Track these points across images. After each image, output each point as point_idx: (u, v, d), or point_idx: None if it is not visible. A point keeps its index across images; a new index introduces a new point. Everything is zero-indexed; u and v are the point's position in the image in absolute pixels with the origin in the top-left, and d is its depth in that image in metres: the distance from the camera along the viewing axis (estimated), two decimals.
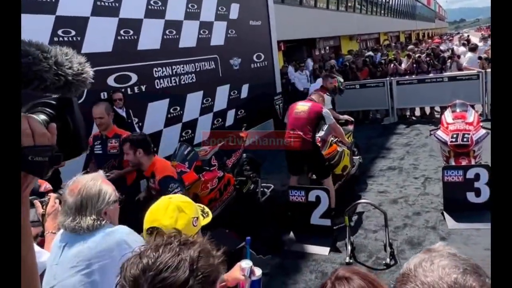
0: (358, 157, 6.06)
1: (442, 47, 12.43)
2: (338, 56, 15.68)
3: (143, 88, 5.93)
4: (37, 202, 2.18)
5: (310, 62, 12.99)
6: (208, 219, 1.53)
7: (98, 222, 1.69)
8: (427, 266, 0.76)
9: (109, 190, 1.80)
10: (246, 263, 1.49)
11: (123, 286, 0.82)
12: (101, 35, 5.34)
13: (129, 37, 5.83)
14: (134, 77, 5.81)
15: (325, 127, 5.20)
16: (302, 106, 4.86)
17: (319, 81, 7.03)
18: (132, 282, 0.81)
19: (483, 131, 5.03)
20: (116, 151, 3.93)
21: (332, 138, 5.34)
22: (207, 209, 1.60)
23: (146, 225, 1.42)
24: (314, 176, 5.08)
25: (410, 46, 13.10)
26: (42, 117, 0.71)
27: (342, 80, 6.46)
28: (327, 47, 20.41)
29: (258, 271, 1.49)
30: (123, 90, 5.60)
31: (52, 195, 2.09)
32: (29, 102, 0.71)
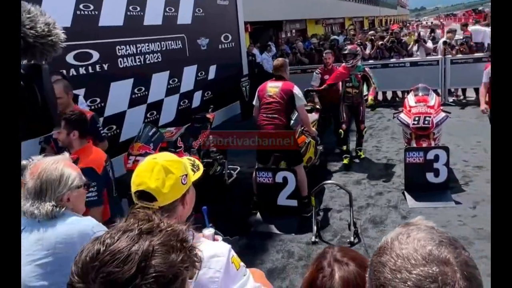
0: (320, 147, 6.04)
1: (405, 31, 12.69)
2: (305, 39, 15.73)
3: (105, 66, 5.67)
4: None
5: (273, 47, 12.91)
6: (199, 173, 1.47)
7: (57, 209, 1.60)
8: (403, 239, 0.76)
9: (73, 175, 1.70)
10: (208, 231, 1.52)
11: (72, 272, 0.73)
12: (58, 9, 5.00)
13: (89, 12, 5.52)
14: (96, 55, 5.53)
15: (294, 116, 5.00)
16: (272, 88, 4.60)
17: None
18: (80, 269, 0.71)
19: (442, 114, 5.25)
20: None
21: (300, 128, 5.27)
22: (197, 161, 1.53)
23: (133, 188, 1.35)
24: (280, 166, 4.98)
25: (371, 32, 13.39)
26: None
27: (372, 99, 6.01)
28: (293, 30, 20.41)
29: (219, 238, 1.54)
30: (83, 68, 5.33)
31: None
32: None
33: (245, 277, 1.37)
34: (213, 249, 1.33)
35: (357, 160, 6.25)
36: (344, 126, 6.08)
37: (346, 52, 5.91)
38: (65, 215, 1.64)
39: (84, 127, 2.99)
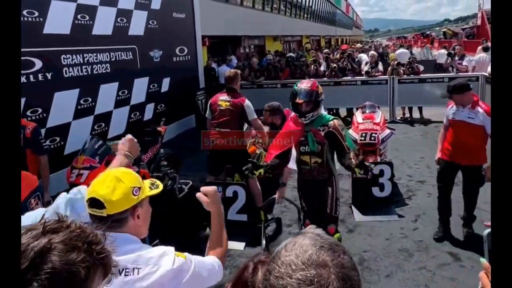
0: None
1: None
2: (262, 55, 15.97)
3: (49, 76, 5.40)
4: None
5: (234, 60, 13.03)
6: (157, 190, 1.52)
7: None
8: (289, 246, 0.79)
9: None
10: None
11: None
12: None
13: (34, 19, 5.26)
14: (38, 63, 5.26)
15: (245, 128, 4.94)
16: (223, 101, 4.60)
17: None
18: None
19: (387, 131, 5.48)
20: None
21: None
22: (158, 182, 1.59)
23: (86, 196, 1.40)
24: (229, 179, 4.93)
25: (325, 50, 13.87)
26: None
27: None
28: (252, 46, 20.70)
29: None
30: (24, 76, 5.05)
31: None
32: None
33: (197, 261, 1.46)
34: (161, 249, 1.41)
35: None
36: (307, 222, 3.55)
37: (298, 93, 3.19)
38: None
39: None
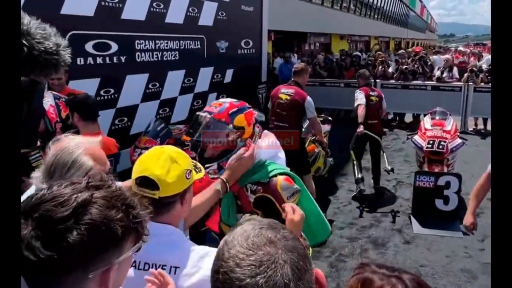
0: (330, 159, 5.93)
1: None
2: (328, 53, 15.66)
3: (123, 59, 5.69)
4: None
5: (293, 58, 12.86)
6: (201, 174, 1.43)
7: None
8: (229, 239, 0.79)
9: (86, 165, 1.46)
10: None
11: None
12: None
13: (114, 4, 5.56)
14: (115, 46, 5.56)
15: (305, 124, 4.86)
16: (284, 94, 4.53)
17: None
18: (24, 206, 0.74)
19: (459, 141, 5.08)
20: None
21: (311, 137, 5.20)
22: (199, 165, 1.49)
23: (134, 174, 1.28)
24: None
25: (401, 51, 13.21)
26: None
27: None
28: (317, 44, 20.37)
29: None
30: (101, 58, 5.36)
31: None
32: None
33: None
34: (203, 249, 1.28)
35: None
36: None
37: (197, 122, 1.89)
38: None
39: (84, 110, 2.89)
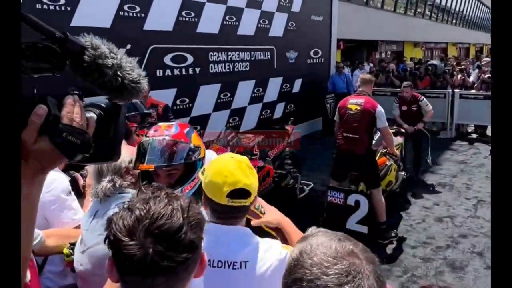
0: (403, 172, 5.66)
1: None
2: (399, 62, 15.02)
3: (197, 70, 6.01)
4: (77, 176, 2.22)
5: (366, 67, 12.54)
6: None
7: (112, 184, 1.58)
8: (308, 249, 0.80)
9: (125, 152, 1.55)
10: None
11: (113, 238, 0.82)
12: (163, 14, 5.46)
13: (190, 19, 5.91)
14: (190, 59, 5.90)
15: (377, 136, 4.67)
16: (353, 105, 4.37)
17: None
18: (127, 232, 0.80)
19: None
20: (154, 120, 3.99)
21: (382, 150, 5.01)
22: None
23: (227, 188, 1.28)
24: (353, 187, 4.68)
25: (485, 58, 12.22)
26: (89, 114, 0.74)
27: None
28: (389, 52, 19.63)
29: None
30: (178, 70, 5.70)
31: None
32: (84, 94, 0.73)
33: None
34: (267, 242, 1.37)
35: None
36: None
37: (145, 149, 1.71)
38: (121, 192, 1.62)
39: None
